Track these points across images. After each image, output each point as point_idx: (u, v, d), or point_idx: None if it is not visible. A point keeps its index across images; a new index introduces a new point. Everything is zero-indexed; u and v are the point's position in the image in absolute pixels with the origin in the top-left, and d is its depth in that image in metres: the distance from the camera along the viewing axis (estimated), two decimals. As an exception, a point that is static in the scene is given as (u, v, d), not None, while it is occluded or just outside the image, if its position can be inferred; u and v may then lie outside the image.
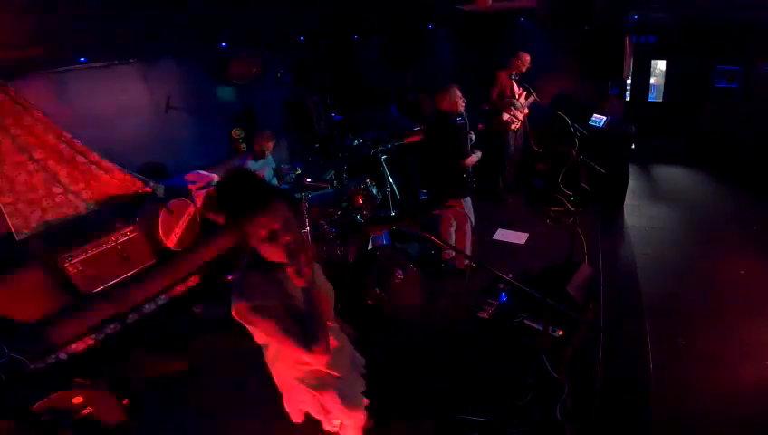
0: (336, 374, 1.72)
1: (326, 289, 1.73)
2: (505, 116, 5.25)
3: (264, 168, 4.43)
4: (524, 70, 5.22)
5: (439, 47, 7.70)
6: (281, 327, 1.46)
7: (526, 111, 5.39)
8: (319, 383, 1.70)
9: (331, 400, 1.73)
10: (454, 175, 3.75)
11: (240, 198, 1.42)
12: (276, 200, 1.44)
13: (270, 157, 4.52)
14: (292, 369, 1.67)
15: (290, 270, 1.42)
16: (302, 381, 1.69)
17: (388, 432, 2.61)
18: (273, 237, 1.43)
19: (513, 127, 5.40)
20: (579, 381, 2.83)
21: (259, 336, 1.57)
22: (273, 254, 1.46)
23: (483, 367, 3.07)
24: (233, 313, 1.45)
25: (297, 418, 1.83)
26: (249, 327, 1.50)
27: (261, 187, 1.46)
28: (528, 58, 5.20)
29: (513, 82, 5.25)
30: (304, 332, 1.48)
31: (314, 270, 1.70)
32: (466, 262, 4.05)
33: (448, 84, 3.69)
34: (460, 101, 3.67)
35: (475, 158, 3.74)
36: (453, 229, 4.01)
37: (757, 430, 2.58)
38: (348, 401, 1.76)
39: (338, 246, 4.05)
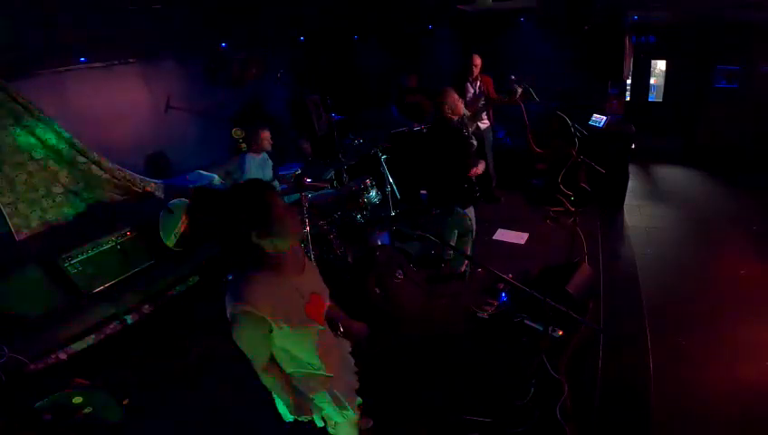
0: (327, 374, 1.73)
1: (323, 293, 1.73)
2: None
3: (265, 167, 4.42)
4: (476, 72, 5.02)
5: (439, 47, 7.69)
6: (250, 345, 1.52)
7: (481, 118, 5.16)
8: (311, 383, 1.71)
9: (322, 399, 1.74)
10: (458, 184, 3.69)
11: (244, 196, 1.47)
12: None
13: (267, 155, 4.51)
14: (285, 363, 1.67)
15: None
16: (292, 376, 1.69)
17: (388, 432, 2.61)
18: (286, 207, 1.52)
19: None
20: (579, 381, 2.83)
21: None
22: (294, 221, 1.53)
23: (483, 367, 3.07)
24: (231, 317, 1.46)
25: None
26: (233, 331, 1.49)
27: (242, 186, 1.52)
28: (478, 60, 5.00)
29: (469, 85, 5.09)
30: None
31: (311, 270, 1.72)
32: (462, 268, 4.04)
33: (445, 87, 3.62)
34: (460, 104, 3.62)
35: (479, 168, 3.68)
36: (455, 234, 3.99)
37: (757, 430, 2.57)
38: (339, 401, 1.76)
39: (338, 246, 4.05)
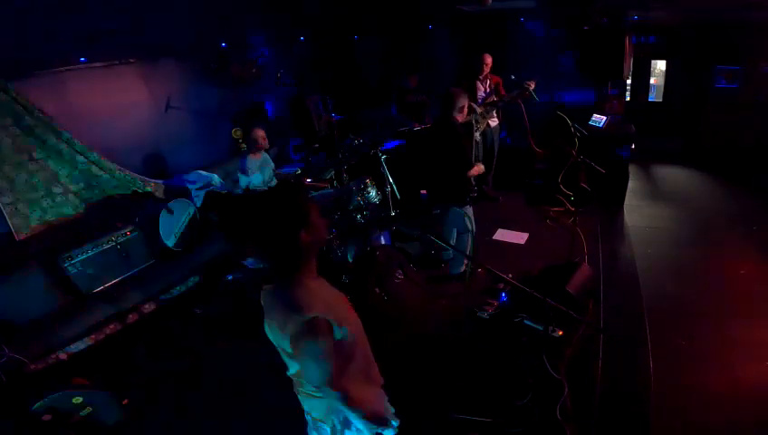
0: (379, 381, 1.68)
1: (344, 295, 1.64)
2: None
3: (265, 168, 4.42)
4: (486, 71, 5.08)
5: (439, 47, 7.70)
6: (329, 354, 1.37)
7: (491, 116, 5.17)
8: (366, 398, 1.57)
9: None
10: (456, 183, 3.69)
11: (286, 196, 1.44)
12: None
13: (267, 156, 4.51)
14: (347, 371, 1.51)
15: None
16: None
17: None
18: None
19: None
20: (579, 381, 2.83)
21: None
22: (323, 227, 1.49)
23: (483, 367, 3.07)
24: (301, 329, 1.33)
25: None
26: (302, 345, 1.36)
27: (276, 188, 1.49)
28: (488, 59, 5.06)
29: (479, 84, 5.13)
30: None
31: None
32: (463, 268, 4.04)
33: (457, 89, 3.63)
34: (466, 108, 3.62)
35: (478, 168, 3.67)
36: (454, 233, 3.99)
37: (757, 431, 2.57)
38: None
39: (338, 247, 4.05)
